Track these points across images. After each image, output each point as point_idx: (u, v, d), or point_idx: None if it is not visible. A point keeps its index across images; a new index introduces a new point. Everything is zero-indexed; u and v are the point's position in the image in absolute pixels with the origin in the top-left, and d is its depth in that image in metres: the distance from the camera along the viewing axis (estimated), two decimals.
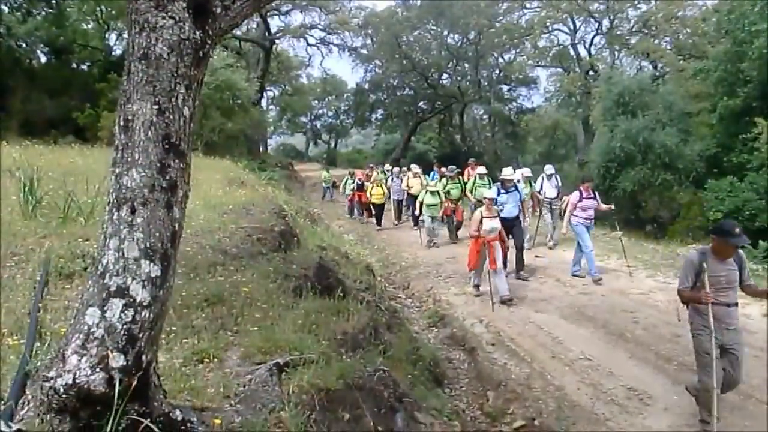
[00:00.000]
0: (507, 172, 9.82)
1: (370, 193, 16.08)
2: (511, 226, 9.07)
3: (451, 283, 9.50)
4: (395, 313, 7.10)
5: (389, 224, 16.47)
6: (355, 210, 18.34)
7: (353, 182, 18.28)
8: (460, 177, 13.77)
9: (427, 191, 12.60)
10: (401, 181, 16.24)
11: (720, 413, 4.14)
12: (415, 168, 15.80)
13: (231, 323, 3.95)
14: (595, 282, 8.73)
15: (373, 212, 16.67)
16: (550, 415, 4.89)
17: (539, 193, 11.81)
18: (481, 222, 7.91)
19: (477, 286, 8.51)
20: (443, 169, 15.60)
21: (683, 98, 21.58)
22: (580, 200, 9.03)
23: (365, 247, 12.71)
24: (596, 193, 9.40)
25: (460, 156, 31.92)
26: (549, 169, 12.26)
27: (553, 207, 11.56)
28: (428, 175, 16.59)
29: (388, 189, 16.72)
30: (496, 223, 8.01)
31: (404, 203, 16.59)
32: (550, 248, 11.52)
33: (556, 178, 12.09)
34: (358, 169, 21.30)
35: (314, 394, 3.09)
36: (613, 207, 9.58)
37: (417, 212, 13.17)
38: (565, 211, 9.57)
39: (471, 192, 12.53)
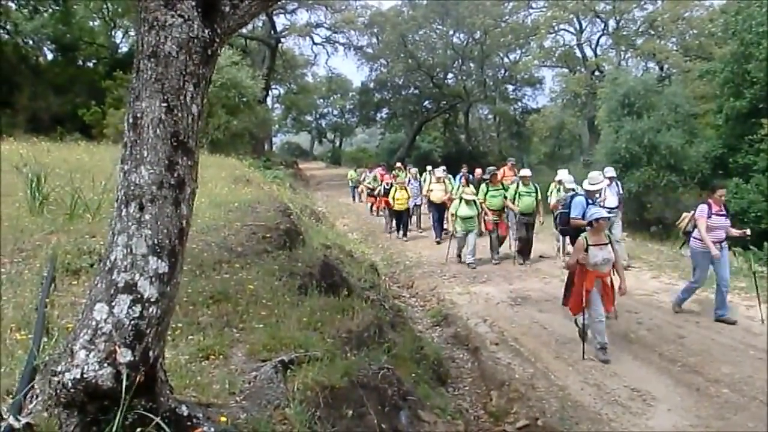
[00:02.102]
0: (596, 179, 7.74)
1: (393, 197, 13.49)
2: None
3: (455, 282, 9.48)
4: (399, 311, 7.11)
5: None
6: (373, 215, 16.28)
7: (374, 183, 16.14)
8: (503, 182, 11.09)
9: (461, 200, 10.33)
10: (418, 183, 14.69)
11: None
12: (439, 171, 13.34)
13: (236, 320, 3.98)
14: (722, 320, 6.75)
15: (382, 214, 15.42)
16: (553, 415, 4.88)
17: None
18: (586, 251, 5.83)
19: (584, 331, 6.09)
20: (478, 172, 13.96)
21: (689, 99, 21.57)
22: (709, 216, 6.63)
23: (369, 246, 12.72)
24: (727, 207, 7.05)
25: (464, 156, 31.95)
26: (609, 171, 9.72)
27: (614, 218, 9.11)
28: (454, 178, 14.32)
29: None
30: (608, 253, 5.89)
31: (427, 210, 14.23)
32: (626, 269, 8.87)
33: (617, 184, 9.86)
34: (379, 168, 18.98)
35: (319, 391, 3.11)
36: (748, 233, 7.03)
37: (446, 225, 12.02)
38: (684, 230, 7.37)
39: (513, 201, 10.25)
